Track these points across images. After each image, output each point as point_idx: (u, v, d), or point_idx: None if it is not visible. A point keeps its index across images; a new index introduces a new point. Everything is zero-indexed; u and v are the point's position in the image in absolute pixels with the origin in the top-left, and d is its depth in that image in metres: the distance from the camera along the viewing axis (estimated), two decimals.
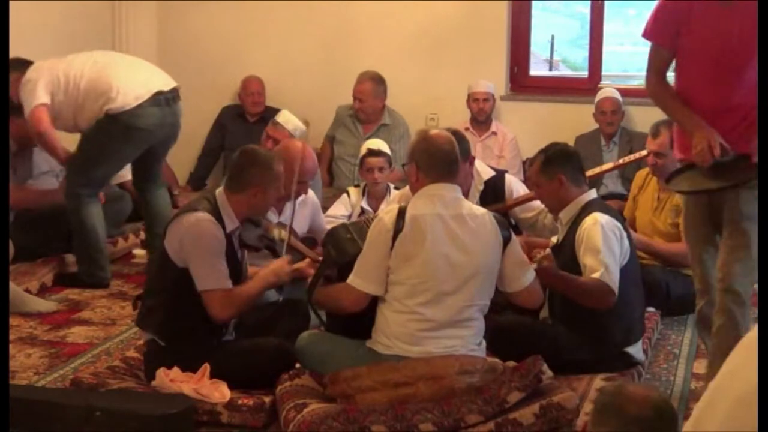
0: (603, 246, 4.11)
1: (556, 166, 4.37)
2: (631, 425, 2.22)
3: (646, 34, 3.93)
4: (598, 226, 4.16)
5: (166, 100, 5.69)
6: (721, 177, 3.79)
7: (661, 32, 3.89)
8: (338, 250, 4.04)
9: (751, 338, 2.48)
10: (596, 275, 4.07)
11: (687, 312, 5.10)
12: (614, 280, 4.09)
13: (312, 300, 4.11)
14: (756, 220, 3.78)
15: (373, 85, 7.13)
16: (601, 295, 4.08)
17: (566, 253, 4.25)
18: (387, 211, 3.88)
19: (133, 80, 5.64)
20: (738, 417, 2.22)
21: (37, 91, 5.57)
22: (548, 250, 4.12)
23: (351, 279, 3.87)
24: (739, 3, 3.71)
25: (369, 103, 7.13)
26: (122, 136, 5.60)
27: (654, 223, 5.40)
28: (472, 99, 7.15)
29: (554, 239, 4.52)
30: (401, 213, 3.81)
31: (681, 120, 3.91)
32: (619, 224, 4.26)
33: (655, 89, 3.96)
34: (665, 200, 5.38)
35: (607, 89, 7.09)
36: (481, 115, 7.12)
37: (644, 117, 7.17)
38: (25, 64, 5.75)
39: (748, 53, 3.68)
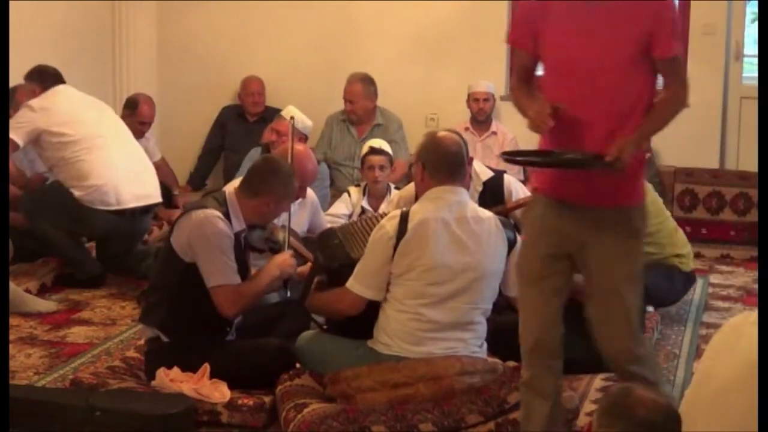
0: None
1: None
2: (639, 427, 2.22)
3: (508, 39, 3.53)
4: None
5: (132, 213, 5.68)
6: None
7: (519, 35, 3.43)
8: (326, 256, 4.04)
9: (720, 337, 2.51)
10: None
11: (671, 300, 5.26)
12: None
13: (306, 305, 4.10)
14: (635, 280, 3.29)
15: (363, 86, 7.12)
16: None
17: None
18: (390, 218, 3.86)
19: (113, 184, 5.61)
20: (720, 405, 2.24)
21: (21, 129, 5.58)
22: None
23: (350, 283, 3.85)
24: (603, 2, 3.26)
25: (360, 105, 7.11)
26: (70, 219, 5.62)
27: None
28: (472, 99, 7.15)
29: None
30: (403, 219, 3.79)
31: (527, 106, 3.29)
32: None
33: (513, 93, 3.46)
34: None
35: None
36: (481, 115, 7.11)
37: None
38: (48, 81, 5.76)
39: (610, 59, 3.23)
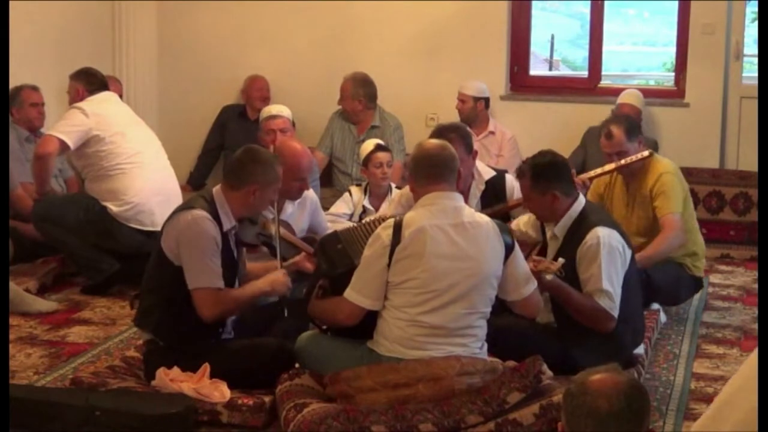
0: (604, 268, 4.10)
1: (548, 182, 4.26)
2: (606, 423, 2.17)
3: None
4: (601, 246, 4.12)
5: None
6: None
7: None
8: (328, 263, 3.99)
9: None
10: (596, 299, 4.11)
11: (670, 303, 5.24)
12: (615, 306, 4.12)
13: (308, 312, 4.07)
14: None
15: (351, 86, 7.10)
16: (600, 321, 4.12)
17: (566, 271, 4.20)
18: (385, 226, 3.82)
19: (149, 204, 5.55)
20: (752, 422, 2.19)
21: (73, 131, 5.53)
22: (561, 261, 4.07)
23: (348, 293, 3.82)
24: None
25: (346, 102, 7.13)
26: (97, 232, 5.56)
27: (629, 220, 5.23)
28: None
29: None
30: (398, 227, 3.76)
31: None
32: (617, 233, 4.22)
33: None
34: (635, 192, 5.29)
35: (633, 93, 6.99)
36: (461, 116, 7.02)
37: (649, 118, 7.17)
38: (94, 84, 5.72)
39: None
